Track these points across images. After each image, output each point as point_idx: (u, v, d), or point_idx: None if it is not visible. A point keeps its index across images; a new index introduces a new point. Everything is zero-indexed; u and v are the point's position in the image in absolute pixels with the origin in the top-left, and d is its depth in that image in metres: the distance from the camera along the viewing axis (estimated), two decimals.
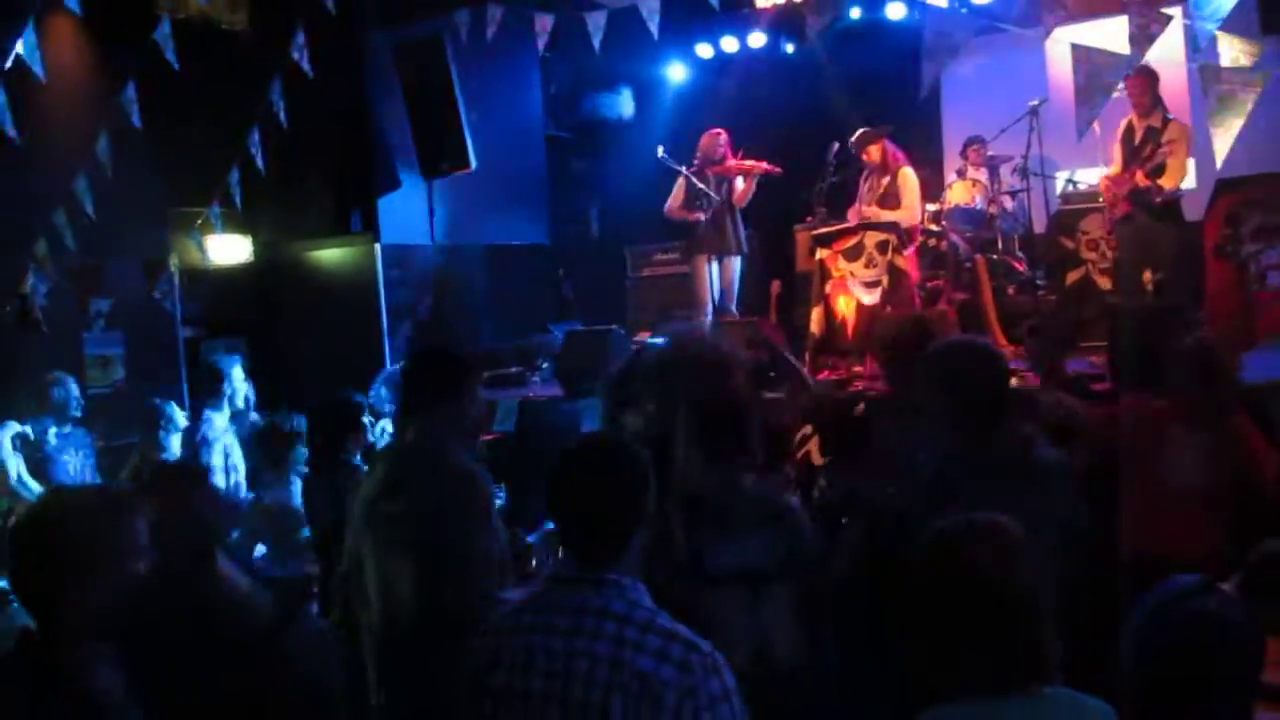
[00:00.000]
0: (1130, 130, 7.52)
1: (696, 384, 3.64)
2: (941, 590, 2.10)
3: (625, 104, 11.57)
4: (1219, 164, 8.14)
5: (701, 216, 8.70)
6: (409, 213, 9.53)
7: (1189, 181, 7.73)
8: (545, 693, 2.26)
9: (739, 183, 8.78)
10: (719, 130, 8.95)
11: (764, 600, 3.29)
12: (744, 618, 3.28)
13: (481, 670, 2.36)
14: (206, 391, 6.80)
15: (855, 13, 10.34)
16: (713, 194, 8.69)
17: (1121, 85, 6.39)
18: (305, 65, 6.87)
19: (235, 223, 9.22)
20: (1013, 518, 2.16)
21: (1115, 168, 7.62)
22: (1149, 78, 7.24)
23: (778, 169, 8.77)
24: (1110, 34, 8.36)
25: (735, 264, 8.95)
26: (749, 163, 8.82)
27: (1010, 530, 2.12)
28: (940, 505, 3.19)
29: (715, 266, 8.87)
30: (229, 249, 9.52)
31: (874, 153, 8.26)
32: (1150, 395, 4.49)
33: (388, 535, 3.48)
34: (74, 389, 6.91)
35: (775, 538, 3.33)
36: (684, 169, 8.80)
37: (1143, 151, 7.40)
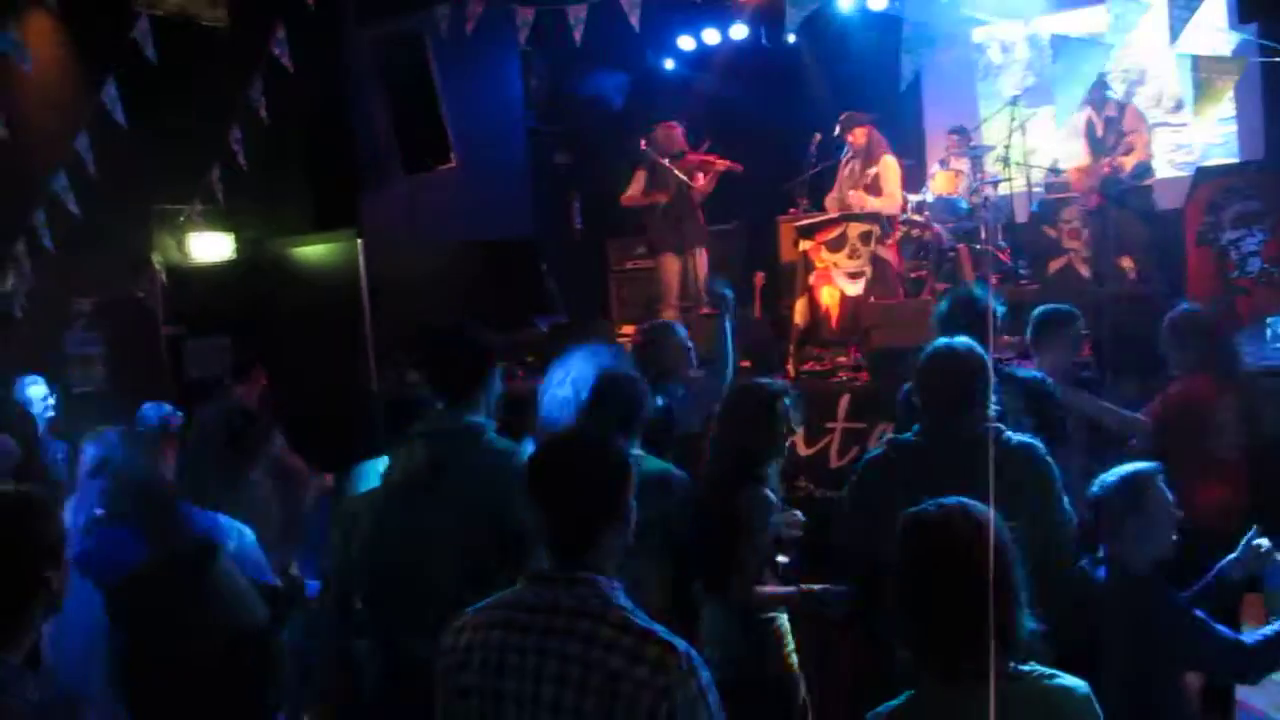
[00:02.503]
0: (1090, 124, 7.57)
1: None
2: (915, 571, 2.13)
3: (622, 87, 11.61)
4: (1199, 152, 8.20)
5: (661, 199, 8.72)
6: (391, 208, 9.51)
7: (1160, 167, 7.81)
8: (517, 693, 2.24)
9: (699, 178, 8.79)
10: (674, 123, 8.96)
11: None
12: None
13: (452, 669, 2.33)
14: None
15: (837, 4, 10.33)
16: (684, 181, 8.70)
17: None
18: (286, 61, 6.84)
19: (217, 220, 9.19)
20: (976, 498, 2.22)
21: (1082, 160, 7.68)
22: None
23: (739, 166, 8.80)
24: (1090, 23, 8.44)
25: (702, 256, 8.97)
26: (710, 158, 8.84)
27: (980, 512, 2.15)
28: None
29: (680, 263, 8.92)
30: (211, 246, 9.49)
31: (859, 135, 8.31)
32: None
33: None
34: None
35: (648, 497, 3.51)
36: (666, 160, 8.81)
37: (1107, 141, 7.46)
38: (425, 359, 3.65)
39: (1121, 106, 7.39)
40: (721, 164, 8.82)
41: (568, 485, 2.35)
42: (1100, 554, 3.42)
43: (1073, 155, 8.03)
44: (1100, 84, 7.38)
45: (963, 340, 3.65)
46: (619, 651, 2.19)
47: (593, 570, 2.31)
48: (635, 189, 8.94)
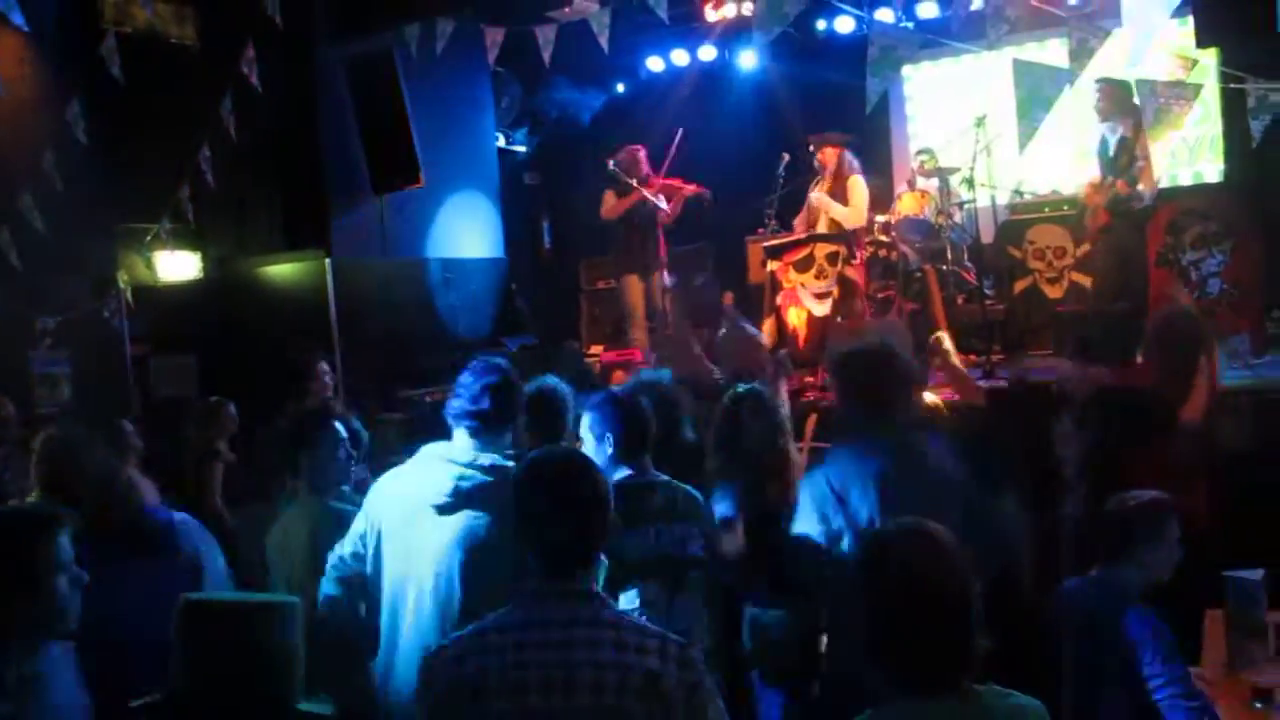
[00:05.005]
0: (1104, 141, 7.61)
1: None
2: (873, 592, 2.15)
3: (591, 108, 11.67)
4: (1157, 174, 8.29)
5: (639, 198, 8.77)
6: (360, 228, 9.49)
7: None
8: (548, 710, 2.24)
9: (662, 202, 8.83)
10: (638, 146, 9.01)
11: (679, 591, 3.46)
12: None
13: (462, 698, 2.28)
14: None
15: (803, 27, 10.43)
16: (650, 202, 8.76)
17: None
18: (255, 80, 6.83)
19: (184, 239, 9.14)
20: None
21: (1095, 177, 7.72)
22: (1107, 86, 7.35)
23: (705, 190, 8.86)
24: (1052, 48, 8.55)
25: (662, 279, 9.04)
26: (675, 183, 8.89)
27: (939, 533, 2.17)
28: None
29: (645, 286, 8.98)
30: (178, 265, 9.43)
31: (830, 156, 8.36)
32: None
33: None
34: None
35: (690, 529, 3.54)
36: (634, 182, 8.85)
37: (1119, 161, 7.49)
38: None
39: (1137, 128, 7.42)
40: (689, 189, 8.88)
41: (577, 501, 2.38)
42: (1093, 574, 3.43)
43: (1085, 173, 8.07)
44: (1112, 100, 7.38)
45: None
46: (649, 653, 2.25)
47: (589, 583, 2.36)
48: (610, 203, 8.99)
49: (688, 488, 3.67)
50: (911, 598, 2.09)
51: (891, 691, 2.11)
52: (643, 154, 8.99)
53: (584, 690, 2.23)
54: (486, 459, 3.28)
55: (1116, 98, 7.37)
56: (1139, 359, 4.90)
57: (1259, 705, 3.29)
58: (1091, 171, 7.81)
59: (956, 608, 2.09)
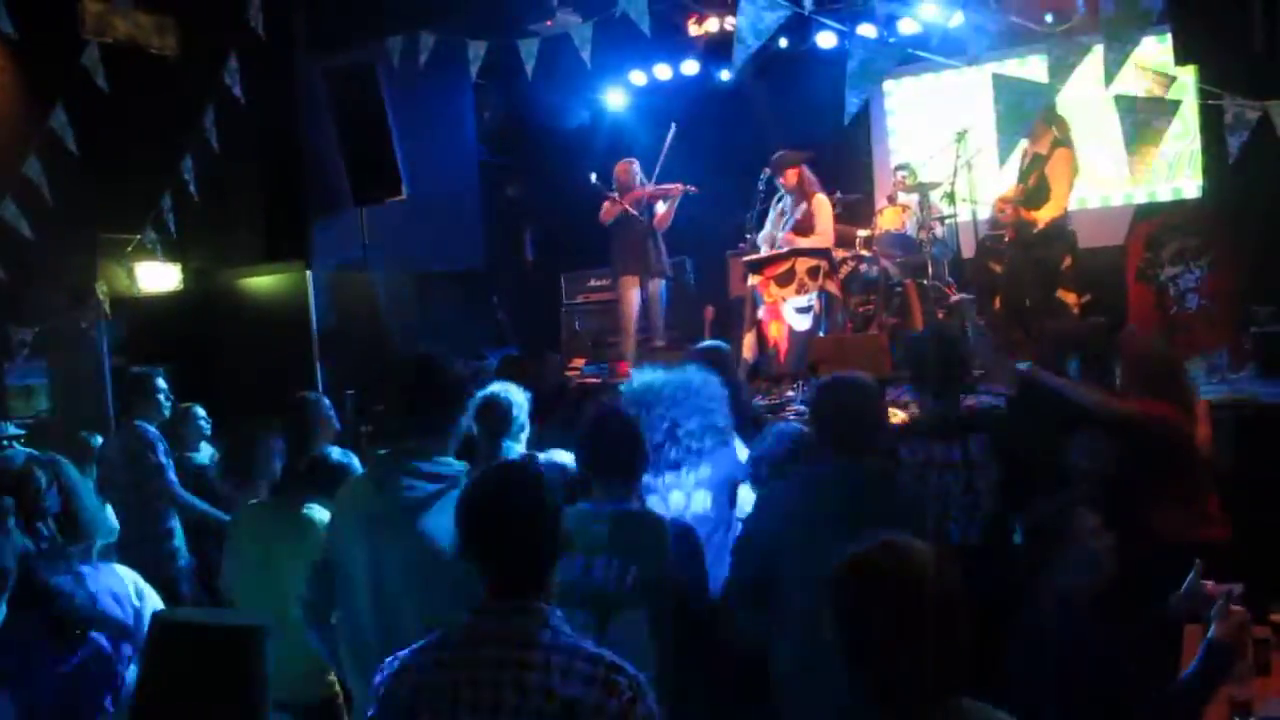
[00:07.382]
0: (1023, 154, 7.63)
1: None
2: (855, 607, 2.13)
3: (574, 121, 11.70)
4: (1136, 191, 8.32)
5: (632, 209, 8.83)
6: (341, 239, 9.47)
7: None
8: None
9: (659, 207, 8.94)
10: (631, 159, 9.15)
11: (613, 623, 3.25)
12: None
13: (401, 712, 2.30)
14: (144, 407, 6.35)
15: (785, 41, 10.46)
16: (641, 217, 8.85)
17: None
18: (237, 91, 6.80)
19: (165, 249, 9.10)
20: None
21: (1010, 189, 7.74)
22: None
23: (693, 188, 8.94)
24: (1033, 64, 8.60)
25: (659, 288, 9.08)
26: (665, 186, 8.99)
27: (922, 548, 2.16)
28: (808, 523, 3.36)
29: (640, 293, 9.04)
30: (158, 276, 9.39)
31: (791, 177, 8.37)
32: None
33: None
34: None
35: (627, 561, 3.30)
36: (616, 194, 8.92)
37: (1028, 177, 7.51)
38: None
39: (1055, 146, 7.43)
40: (676, 189, 8.97)
41: (512, 518, 2.36)
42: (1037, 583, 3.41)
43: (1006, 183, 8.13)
44: (1048, 116, 7.35)
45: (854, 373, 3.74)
46: (575, 678, 2.20)
47: (537, 601, 2.33)
48: (607, 207, 9.06)
49: (658, 519, 3.47)
50: (891, 611, 2.08)
51: (871, 708, 2.10)
52: (635, 165, 9.10)
53: (506, 712, 2.20)
54: (432, 466, 3.20)
55: (1044, 118, 7.37)
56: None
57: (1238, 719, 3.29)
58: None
59: (936, 623, 2.08)
